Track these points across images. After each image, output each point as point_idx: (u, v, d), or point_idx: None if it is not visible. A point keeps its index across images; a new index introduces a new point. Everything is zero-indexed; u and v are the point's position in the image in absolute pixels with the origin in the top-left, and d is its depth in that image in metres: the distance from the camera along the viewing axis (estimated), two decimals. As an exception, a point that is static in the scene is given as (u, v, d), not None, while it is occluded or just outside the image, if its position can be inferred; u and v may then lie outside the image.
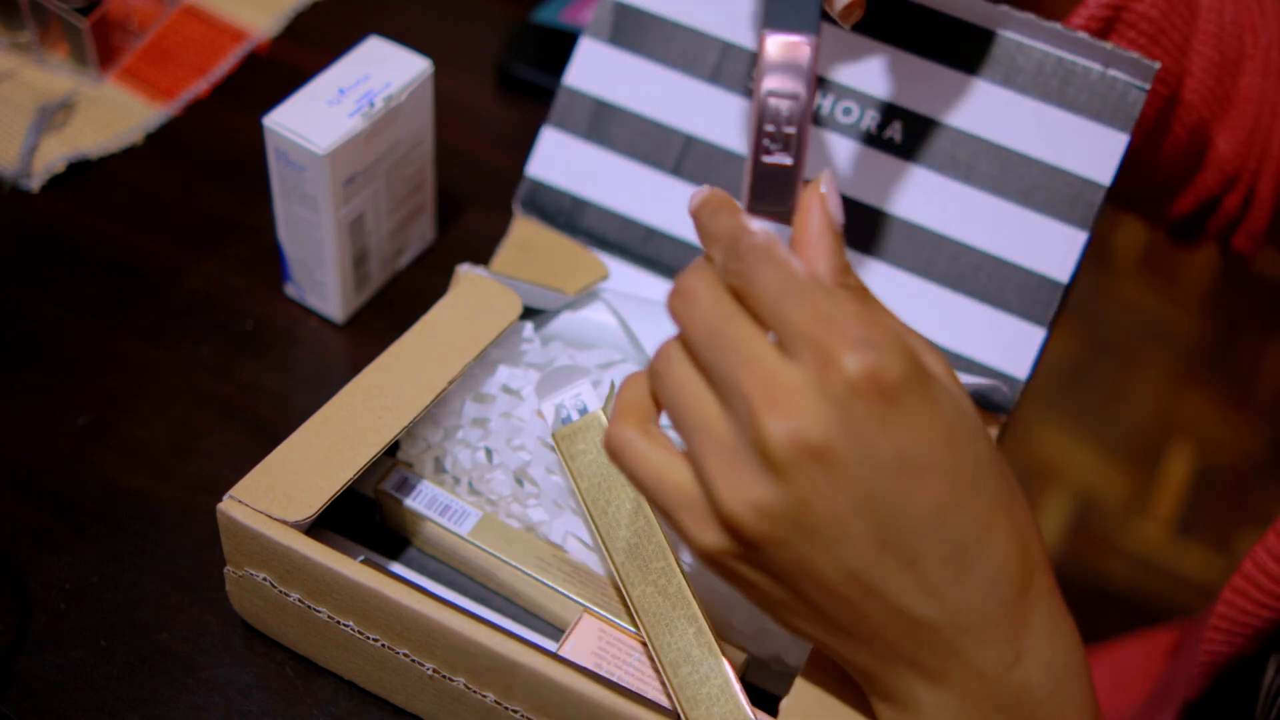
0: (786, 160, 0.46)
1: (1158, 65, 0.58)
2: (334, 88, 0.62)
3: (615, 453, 0.43)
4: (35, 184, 0.72)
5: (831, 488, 0.39)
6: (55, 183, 0.72)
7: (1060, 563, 1.52)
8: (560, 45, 0.81)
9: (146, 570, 0.58)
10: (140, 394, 0.64)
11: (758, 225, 0.42)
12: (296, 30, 0.81)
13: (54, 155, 0.73)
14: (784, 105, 0.47)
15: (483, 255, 0.69)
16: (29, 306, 0.67)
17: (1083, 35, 0.58)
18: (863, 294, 0.43)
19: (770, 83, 0.47)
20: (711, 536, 0.41)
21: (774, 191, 0.47)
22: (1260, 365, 1.74)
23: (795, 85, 0.47)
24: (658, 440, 0.42)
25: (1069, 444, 1.62)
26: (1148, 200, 0.72)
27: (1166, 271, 1.79)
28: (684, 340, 0.42)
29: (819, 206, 0.43)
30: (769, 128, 0.47)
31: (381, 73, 0.63)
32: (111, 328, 0.67)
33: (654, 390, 0.43)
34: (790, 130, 0.47)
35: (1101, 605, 1.48)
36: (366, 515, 0.59)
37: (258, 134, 0.62)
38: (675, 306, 0.42)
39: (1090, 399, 1.67)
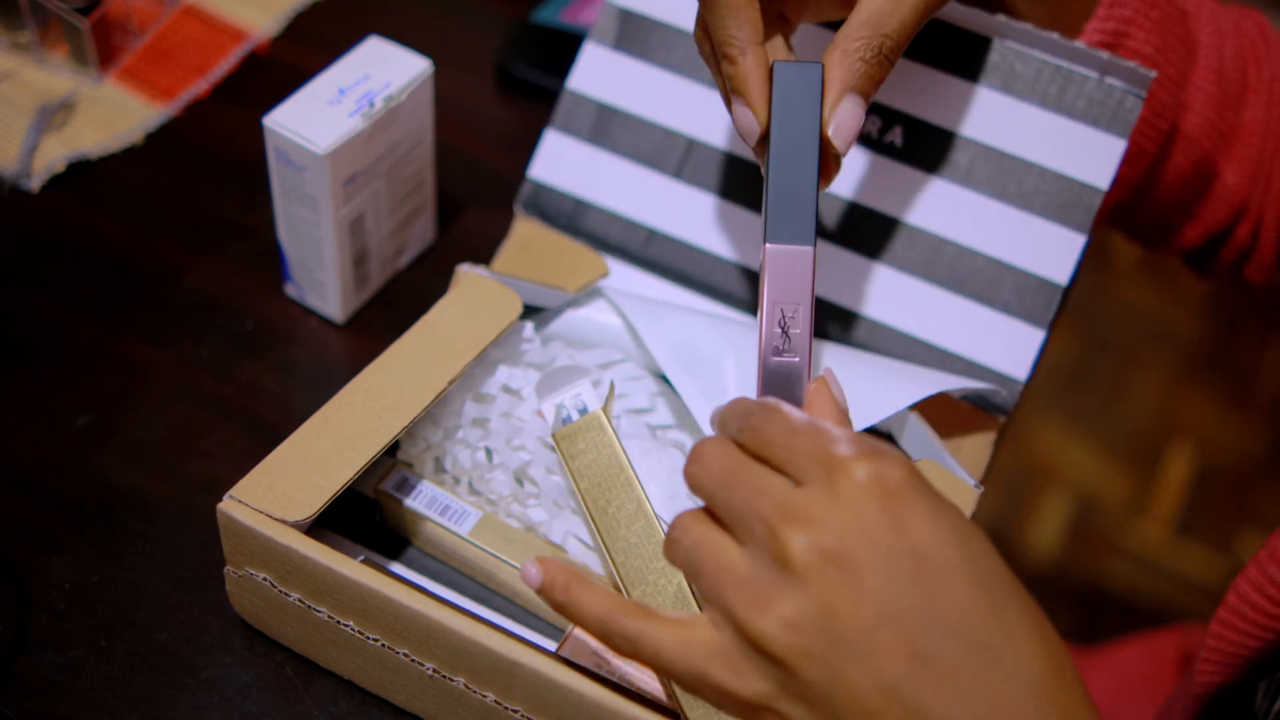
0: (794, 359, 0.51)
1: (1154, 74, 0.58)
2: (334, 88, 0.62)
3: (631, 647, 0.43)
4: (35, 184, 0.72)
5: (854, 591, 0.39)
6: (55, 183, 0.72)
7: (1060, 563, 1.52)
8: (560, 45, 0.81)
9: (146, 570, 0.58)
10: (140, 394, 0.64)
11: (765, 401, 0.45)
12: (296, 30, 0.81)
13: (54, 155, 0.73)
14: (789, 311, 0.51)
15: (483, 255, 0.69)
16: (29, 306, 0.67)
17: (1079, 44, 0.59)
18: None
19: (775, 293, 0.52)
20: (749, 679, 0.41)
21: (783, 387, 0.52)
22: (1260, 365, 1.74)
23: (798, 294, 0.51)
24: (658, 615, 0.43)
25: (1069, 444, 1.62)
26: (1154, 230, 0.72)
27: (1166, 271, 1.79)
28: (700, 495, 0.44)
29: (826, 390, 0.48)
30: (777, 331, 0.51)
31: (381, 73, 0.63)
32: (111, 328, 0.67)
33: (670, 557, 0.44)
34: (796, 331, 0.51)
35: (1101, 605, 1.48)
36: (367, 515, 0.59)
37: (258, 134, 0.62)
38: (690, 470, 0.44)
39: (1090, 399, 1.67)
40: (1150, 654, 0.87)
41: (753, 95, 0.51)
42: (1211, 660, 0.59)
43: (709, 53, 0.54)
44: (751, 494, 0.42)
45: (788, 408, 0.44)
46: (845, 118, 0.51)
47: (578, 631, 0.53)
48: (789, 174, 0.52)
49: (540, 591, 0.45)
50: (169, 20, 0.80)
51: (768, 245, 0.52)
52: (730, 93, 0.52)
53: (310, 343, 0.68)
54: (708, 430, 0.56)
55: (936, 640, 0.39)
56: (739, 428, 0.44)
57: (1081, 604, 1.49)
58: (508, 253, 0.66)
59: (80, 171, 0.73)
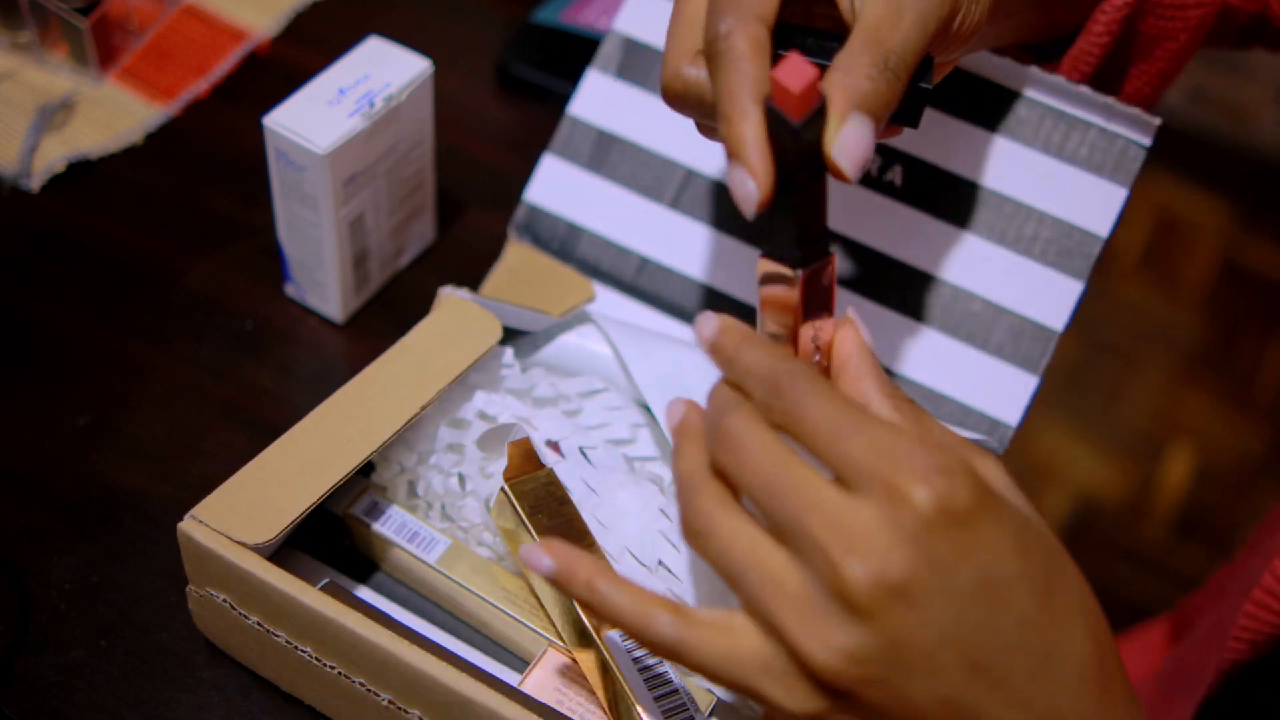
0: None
1: (1158, 121, 0.57)
2: (334, 88, 0.62)
3: (670, 654, 0.41)
4: (35, 184, 0.72)
5: (919, 621, 0.38)
6: (55, 183, 0.72)
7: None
8: (560, 45, 0.81)
9: (146, 570, 0.58)
10: (140, 394, 0.64)
11: (787, 353, 0.41)
12: (296, 30, 0.81)
13: (54, 155, 0.73)
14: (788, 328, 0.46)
15: (483, 255, 0.69)
16: (29, 306, 0.67)
17: (1085, 89, 0.58)
18: (915, 413, 0.42)
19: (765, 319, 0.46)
20: (803, 698, 0.39)
21: None
22: (1260, 365, 1.74)
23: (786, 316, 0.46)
24: (698, 620, 0.41)
25: (1069, 444, 1.62)
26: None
27: (1166, 271, 1.79)
28: (738, 488, 0.41)
29: (853, 334, 0.44)
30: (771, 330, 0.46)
31: (381, 73, 0.63)
32: (111, 328, 0.67)
33: (697, 549, 0.41)
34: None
35: (1102, 605, 1.48)
36: (340, 535, 0.59)
37: (258, 134, 0.62)
38: (722, 456, 0.41)
39: (1090, 399, 1.68)
40: (1144, 646, 0.87)
41: (753, 161, 0.44)
42: (1243, 639, 0.60)
43: (693, 101, 0.48)
44: (802, 509, 0.38)
45: (824, 384, 0.40)
46: (851, 137, 0.44)
47: (540, 666, 0.52)
48: (809, 211, 0.45)
49: (555, 581, 0.42)
50: (169, 20, 0.80)
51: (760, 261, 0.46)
52: (727, 155, 0.45)
53: (310, 343, 0.68)
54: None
55: (996, 653, 0.39)
56: (765, 399, 0.40)
57: (1081, 604, 1.49)
58: (497, 276, 0.66)
59: (80, 171, 0.73)
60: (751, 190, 0.44)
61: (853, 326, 0.44)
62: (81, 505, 0.60)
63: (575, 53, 0.80)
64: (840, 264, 0.63)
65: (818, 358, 0.46)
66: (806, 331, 0.46)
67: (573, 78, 0.79)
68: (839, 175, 0.44)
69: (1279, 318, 1.80)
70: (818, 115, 0.43)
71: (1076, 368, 1.69)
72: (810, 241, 0.45)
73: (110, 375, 0.65)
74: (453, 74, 0.75)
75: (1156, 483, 1.60)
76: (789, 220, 0.44)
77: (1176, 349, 1.74)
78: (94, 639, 0.55)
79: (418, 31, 0.76)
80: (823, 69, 0.45)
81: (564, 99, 0.80)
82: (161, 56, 0.79)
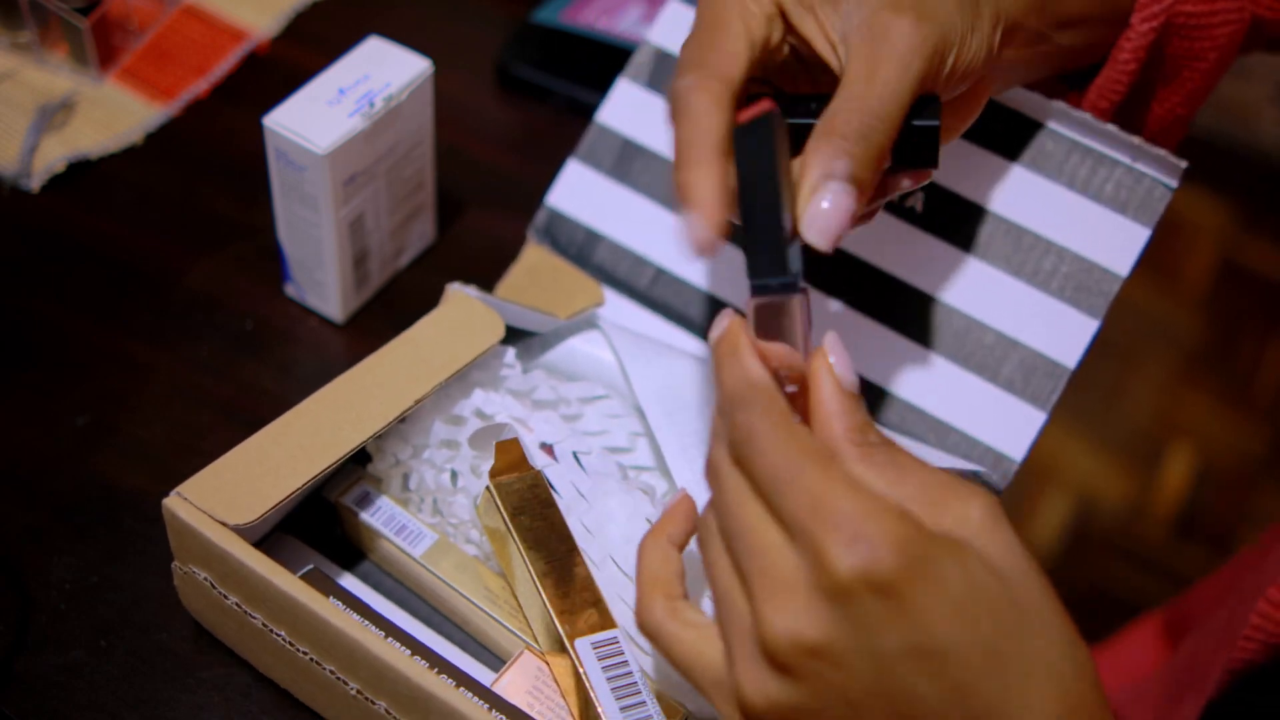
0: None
1: (1185, 164, 0.57)
2: (334, 88, 0.62)
3: (648, 635, 0.44)
4: (35, 184, 0.72)
5: (840, 680, 0.38)
6: (55, 183, 0.72)
7: (1060, 563, 1.52)
8: (560, 45, 0.81)
9: (146, 570, 0.58)
10: (140, 394, 0.64)
11: (757, 376, 0.41)
12: (296, 30, 0.81)
13: (54, 155, 0.73)
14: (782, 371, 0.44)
15: (482, 255, 0.69)
16: (29, 306, 0.67)
17: (1112, 127, 0.58)
18: (889, 456, 0.41)
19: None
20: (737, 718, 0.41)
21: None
22: (1260, 365, 1.74)
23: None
24: (686, 619, 0.43)
25: (1069, 444, 1.62)
26: None
27: (1166, 271, 1.79)
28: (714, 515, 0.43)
29: (827, 374, 0.42)
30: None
31: (381, 73, 0.63)
32: (111, 328, 0.67)
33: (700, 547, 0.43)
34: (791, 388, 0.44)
35: (1101, 605, 1.48)
36: (334, 523, 0.59)
37: (258, 134, 0.62)
38: (708, 481, 0.43)
39: (1090, 399, 1.68)
40: (1140, 641, 0.87)
41: (705, 206, 0.45)
42: (1255, 639, 0.59)
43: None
44: (746, 550, 0.40)
45: (774, 425, 0.40)
46: (818, 210, 0.45)
47: (514, 668, 0.52)
48: (762, 222, 0.45)
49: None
50: (169, 20, 0.80)
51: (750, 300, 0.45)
52: (680, 202, 0.46)
53: (310, 343, 0.68)
54: (678, 474, 0.55)
55: (926, 717, 0.38)
56: (727, 426, 0.41)
57: (1081, 604, 1.48)
58: (513, 277, 0.66)
59: (80, 171, 0.73)
60: (701, 235, 0.45)
61: (826, 360, 0.42)
62: (81, 505, 0.60)
63: (575, 53, 0.80)
64: (854, 289, 0.63)
65: (792, 388, 0.44)
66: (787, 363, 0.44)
67: (573, 78, 0.79)
68: (811, 246, 0.46)
69: (1279, 318, 1.80)
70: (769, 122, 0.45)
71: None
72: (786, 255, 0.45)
73: (110, 375, 0.65)
74: (453, 74, 0.75)
75: (1156, 483, 1.60)
76: (776, 231, 0.44)
77: (1176, 349, 1.74)
78: (94, 639, 0.55)
79: (418, 31, 0.76)
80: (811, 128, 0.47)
81: (564, 99, 0.80)
82: (161, 56, 0.79)
